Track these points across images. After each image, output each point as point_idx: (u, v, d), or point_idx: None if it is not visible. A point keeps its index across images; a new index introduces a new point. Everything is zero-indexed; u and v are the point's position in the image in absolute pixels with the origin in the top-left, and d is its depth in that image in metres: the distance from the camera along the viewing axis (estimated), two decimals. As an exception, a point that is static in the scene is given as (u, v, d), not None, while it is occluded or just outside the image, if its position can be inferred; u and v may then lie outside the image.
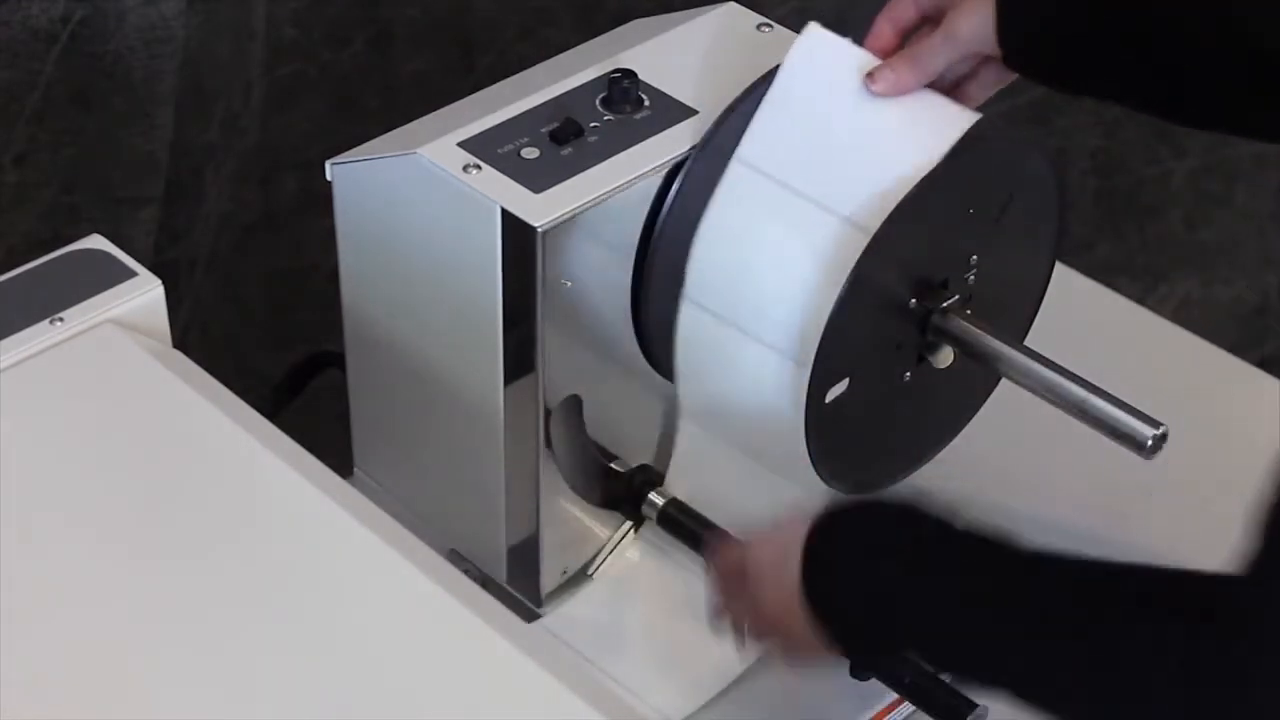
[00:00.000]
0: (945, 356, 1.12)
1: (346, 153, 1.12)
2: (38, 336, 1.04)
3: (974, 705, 1.06)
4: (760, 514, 1.12)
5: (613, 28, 1.21)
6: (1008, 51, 1.06)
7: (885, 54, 1.07)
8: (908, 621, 0.97)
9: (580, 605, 1.16)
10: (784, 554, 0.99)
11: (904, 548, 0.97)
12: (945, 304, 1.11)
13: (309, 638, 0.92)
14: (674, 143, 1.09)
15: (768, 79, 1.08)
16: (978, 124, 1.05)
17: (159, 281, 1.08)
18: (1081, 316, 1.35)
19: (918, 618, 0.96)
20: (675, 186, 1.08)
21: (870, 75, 1.06)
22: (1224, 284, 2.13)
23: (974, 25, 1.05)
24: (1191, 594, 0.87)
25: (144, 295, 1.08)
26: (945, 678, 1.07)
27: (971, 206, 1.09)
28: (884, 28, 1.09)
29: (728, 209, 1.07)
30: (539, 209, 1.04)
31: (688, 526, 1.15)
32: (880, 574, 0.97)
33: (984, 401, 1.18)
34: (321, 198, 1.15)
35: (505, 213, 1.04)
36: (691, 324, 1.09)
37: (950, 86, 1.09)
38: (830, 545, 0.99)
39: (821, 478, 1.09)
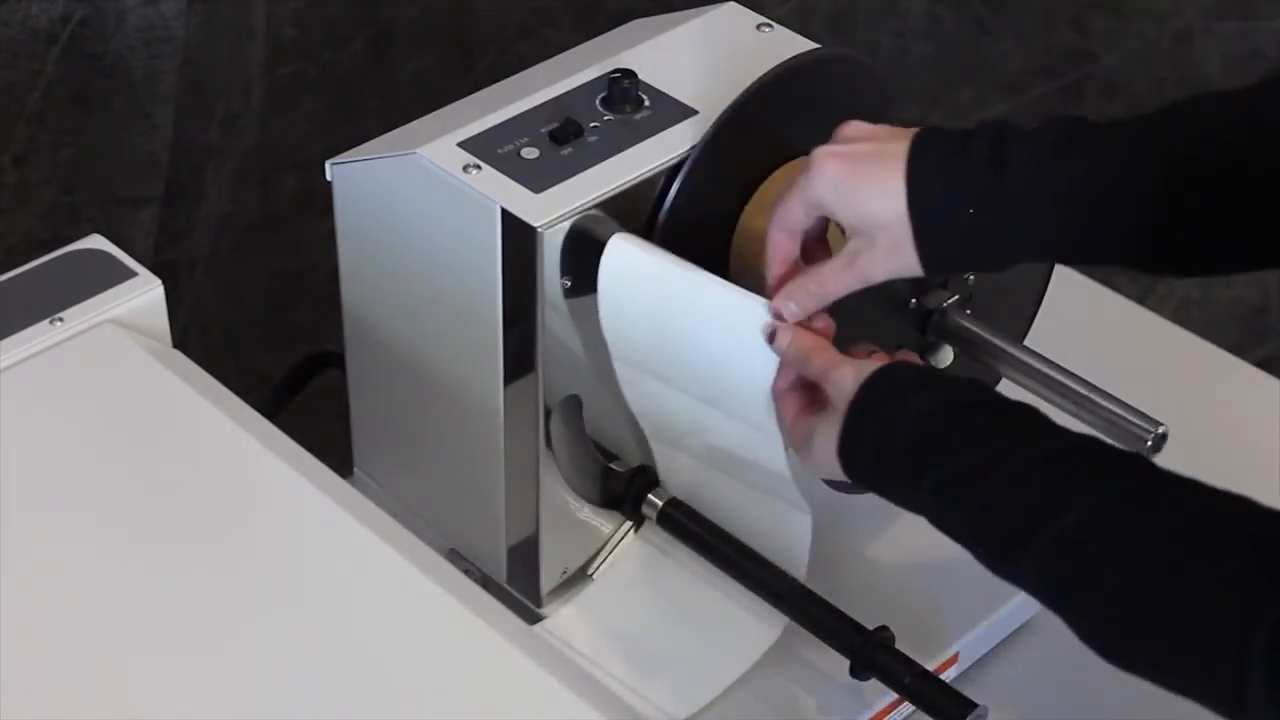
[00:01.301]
0: (945, 356, 1.13)
1: (346, 153, 1.12)
2: (38, 336, 1.04)
3: (973, 705, 1.06)
4: (750, 513, 1.12)
5: (613, 28, 1.21)
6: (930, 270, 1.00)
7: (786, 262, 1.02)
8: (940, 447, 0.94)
9: (580, 605, 1.16)
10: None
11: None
12: (945, 304, 1.11)
13: (309, 638, 0.92)
14: (674, 143, 1.09)
15: (767, 79, 1.08)
16: None
17: (159, 281, 1.08)
18: (1081, 316, 1.35)
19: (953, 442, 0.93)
20: (675, 187, 1.08)
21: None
22: (1224, 284, 2.13)
23: (890, 269, 1.00)
24: None
25: (144, 295, 1.08)
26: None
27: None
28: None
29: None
30: (539, 209, 1.04)
31: (688, 526, 1.15)
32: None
33: (984, 401, 1.18)
34: (321, 198, 1.15)
35: (505, 213, 1.04)
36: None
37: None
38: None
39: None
